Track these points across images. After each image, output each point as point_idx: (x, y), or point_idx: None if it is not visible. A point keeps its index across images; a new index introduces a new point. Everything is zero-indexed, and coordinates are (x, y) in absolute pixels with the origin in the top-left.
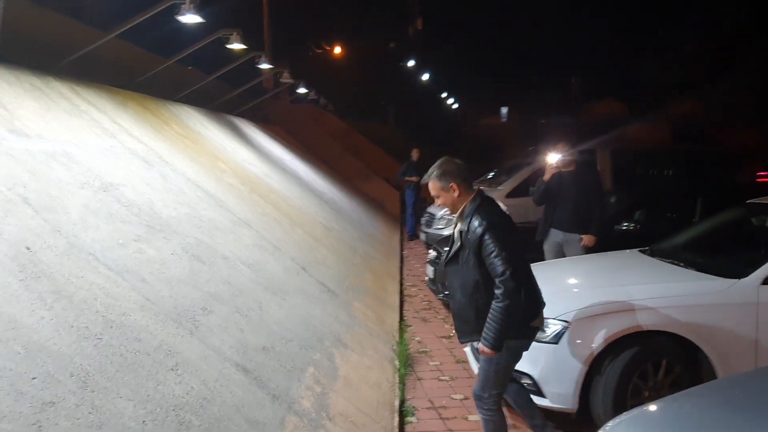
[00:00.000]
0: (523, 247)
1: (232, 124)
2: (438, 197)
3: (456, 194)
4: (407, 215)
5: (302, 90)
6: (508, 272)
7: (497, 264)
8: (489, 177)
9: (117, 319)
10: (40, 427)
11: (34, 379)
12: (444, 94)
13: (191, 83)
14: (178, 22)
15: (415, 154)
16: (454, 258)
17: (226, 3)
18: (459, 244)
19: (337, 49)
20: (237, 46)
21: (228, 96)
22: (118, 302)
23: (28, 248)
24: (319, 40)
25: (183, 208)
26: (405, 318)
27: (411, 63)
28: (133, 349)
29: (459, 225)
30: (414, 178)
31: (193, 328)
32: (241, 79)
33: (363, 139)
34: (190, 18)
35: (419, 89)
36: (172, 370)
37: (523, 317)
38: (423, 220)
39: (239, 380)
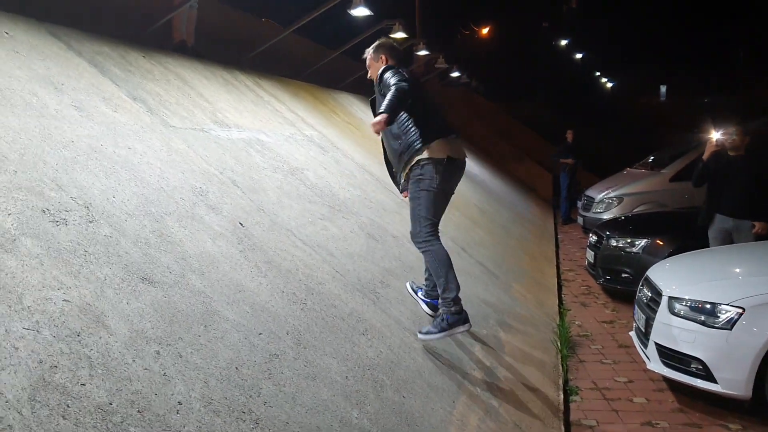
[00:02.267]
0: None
1: None
2: (370, 68)
3: (384, 66)
4: (561, 198)
5: (455, 74)
6: (400, 83)
7: (391, 84)
8: (650, 159)
9: (315, 287)
10: (270, 374)
11: (260, 334)
12: (598, 73)
13: (352, 72)
14: (342, 16)
15: (569, 136)
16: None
17: None
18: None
19: (485, 30)
20: (400, 35)
21: None
22: (315, 273)
23: (241, 224)
24: (469, 21)
25: (355, 191)
26: (564, 302)
27: (564, 42)
28: (331, 314)
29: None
30: (569, 161)
31: (375, 299)
32: None
33: (513, 120)
34: (360, 11)
35: (572, 68)
36: (363, 334)
37: (426, 134)
38: (580, 203)
39: (418, 348)
